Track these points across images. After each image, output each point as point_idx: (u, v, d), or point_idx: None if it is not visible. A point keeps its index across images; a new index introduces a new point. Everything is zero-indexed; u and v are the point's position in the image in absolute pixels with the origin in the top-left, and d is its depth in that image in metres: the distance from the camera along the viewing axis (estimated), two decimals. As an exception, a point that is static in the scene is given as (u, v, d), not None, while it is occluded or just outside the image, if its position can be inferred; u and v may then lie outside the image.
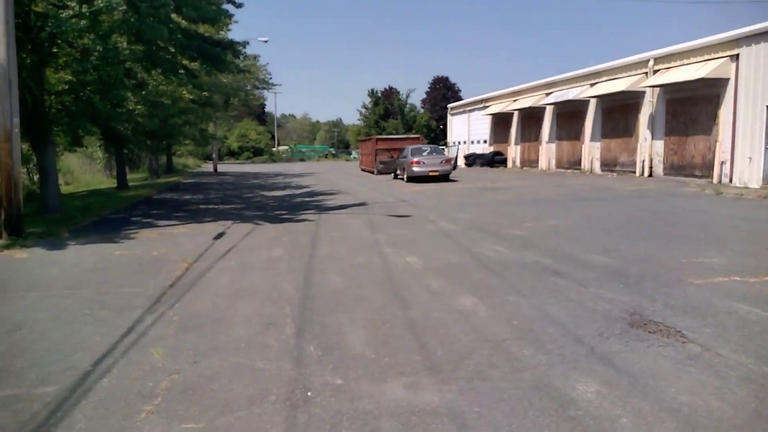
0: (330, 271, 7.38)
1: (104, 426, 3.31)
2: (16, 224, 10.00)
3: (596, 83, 26.87)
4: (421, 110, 74.16)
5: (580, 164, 28.48)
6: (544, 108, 31.64)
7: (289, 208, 15.71)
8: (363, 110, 75.78)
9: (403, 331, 4.92)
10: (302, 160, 78.46)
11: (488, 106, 39.42)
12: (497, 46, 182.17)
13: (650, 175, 23.05)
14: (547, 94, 31.32)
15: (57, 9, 11.63)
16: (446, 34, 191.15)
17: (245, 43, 16.47)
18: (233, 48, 16.06)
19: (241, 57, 19.95)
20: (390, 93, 75.75)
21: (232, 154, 79.30)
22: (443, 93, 73.04)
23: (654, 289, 6.01)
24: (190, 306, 5.82)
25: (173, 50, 14.89)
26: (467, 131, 44.24)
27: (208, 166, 52.51)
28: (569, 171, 29.21)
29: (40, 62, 12.85)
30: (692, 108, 20.93)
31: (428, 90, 76.34)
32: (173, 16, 14.12)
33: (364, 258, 8.17)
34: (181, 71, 15.73)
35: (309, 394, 3.69)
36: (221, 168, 48.63)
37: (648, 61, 23.03)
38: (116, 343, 4.70)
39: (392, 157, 30.57)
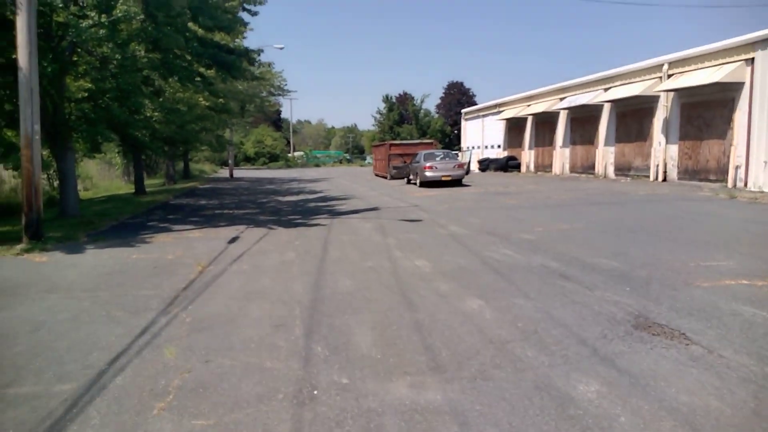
0: (340, 274, 7.50)
1: (118, 422, 3.45)
2: (37, 228, 10.26)
3: (610, 88, 26.81)
4: (436, 115, 74.32)
5: (594, 169, 28.38)
6: (558, 113, 31.60)
7: (302, 212, 15.89)
8: (378, 116, 76.20)
9: (409, 332, 5.02)
10: (317, 165, 78.96)
11: (502, 111, 39.43)
12: (512, 51, 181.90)
13: (664, 179, 22.91)
14: (561, 99, 31.29)
15: (77, 18, 11.93)
16: (461, 39, 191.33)
17: (259, 51, 16.75)
18: (248, 56, 16.33)
19: (256, 64, 20.23)
20: (405, 98, 76.08)
21: (248, 160, 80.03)
22: (458, 98, 73.14)
23: (660, 292, 6.05)
24: (203, 308, 5.97)
25: (189, 58, 15.18)
26: (481, 136, 44.26)
27: (224, 172, 53.10)
28: (583, 175, 29.11)
29: (60, 70, 13.17)
30: (707, 112, 20.80)
31: (443, 95, 76.52)
32: (189, 24, 14.42)
33: (373, 261, 8.28)
34: (197, 79, 16.03)
35: (315, 392, 3.81)
36: (237, 173, 49.15)
37: (662, 65, 22.94)
38: (131, 343, 4.85)
39: (405, 162, 30.70)
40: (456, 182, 24.62)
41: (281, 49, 35.73)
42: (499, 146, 40.80)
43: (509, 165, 36.78)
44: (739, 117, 19.12)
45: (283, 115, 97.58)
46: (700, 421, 3.28)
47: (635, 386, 3.77)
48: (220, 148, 45.97)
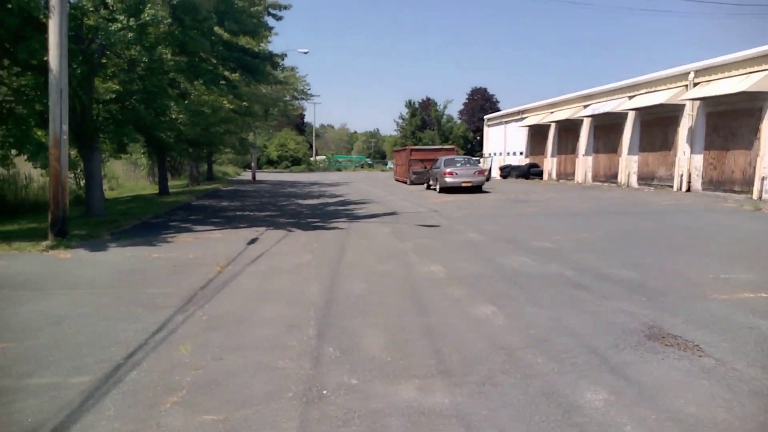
0: (355, 277, 7.57)
1: (131, 414, 3.55)
2: (62, 226, 10.52)
3: (635, 96, 26.52)
4: (458, 121, 74.14)
5: (616, 178, 28.07)
6: (582, 120, 31.35)
7: (321, 216, 16.02)
8: (400, 121, 76.22)
9: (419, 336, 5.06)
10: (339, 169, 79.30)
11: (525, 118, 39.24)
12: (535, 58, 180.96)
13: (688, 189, 22.58)
14: (585, 107, 31.04)
15: (107, 22, 12.27)
16: (485, 45, 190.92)
17: (283, 55, 16.98)
18: (271, 60, 16.57)
19: (279, 68, 20.49)
20: (427, 104, 76.02)
21: (271, 163, 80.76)
22: (481, 104, 72.96)
23: (676, 304, 5.99)
24: (219, 307, 6.08)
25: (215, 61, 15.47)
26: (504, 143, 44.08)
27: (247, 175, 53.65)
28: (605, 184, 28.81)
29: (89, 72, 13.51)
30: (733, 122, 20.46)
31: (466, 101, 76.39)
32: (215, 28, 14.69)
33: (389, 266, 8.34)
34: (222, 82, 16.32)
35: (324, 392, 3.87)
36: (260, 176, 49.64)
37: (688, 73, 22.64)
38: (148, 339, 4.97)
39: (425, 167, 30.72)
40: (476, 189, 24.57)
41: (305, 53, 36.05)
42: (521, 153, 40.59)
43: (531, 172, 36.55)
44: (766, 127, 18.76)
45: (306, 119, 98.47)
46: (707, 433, 3.26)
47: (643, 396, 3.76)
48: (243, 150, 46.53)
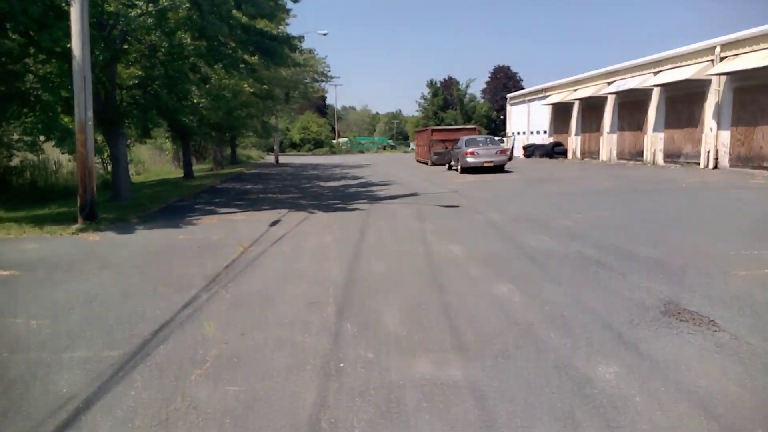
0: (374, 257, 7.69)
1: (158, 385, 3.74)
2: (91, 210, 10.83)
3: (660, 71, 25.95)
4: (481, 100, 73.45)
5: (642, 155, 27.63)
6: (606, 97, 30.80)
7: (342, 197, 16.16)
8: (422, 101, 75.79)
9: (437, 313, 5.16)
10: (361, 152, 79.33)
11: (548, 96, 38.71)
12: (559, 35, 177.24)
13: (715, 166, 22.14)
14: (609, 83, 30.48)
15: (127, 8, 12.44)
16: (508, 22, 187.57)
17: (301, 38, 17.01)
18: (289, 42, 16.61)
19: (298, 51, 20.53)
20: (449, 83, 75.42)
21: (294, 146, 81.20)
22: (504, 83, 72.11)
23: (695, 280, 5.98)
24: (242, 286, 6.27)
25: (234, 45, 15.59)
26: (527, 121, 43.57)
27: (270, 158, 54.08)
28: (631, 162, 28.38)
29: (112, 58, 13.72)
30: (762, 96, 19.93)
31: (488, 80, 75.59)
32: (234, 12, 14.77)
33: (408, 246, 8.44)
34: (242, 65, 16.44)
35: (342, 365, 4.01)
36: (283, 159, 50.00)
37: (714, 47, 22.05)
38: (174, 316, 5.17)
39: (447, 147, 30.61)
40: (498, 168, 24.44)
41: (325, 35, 36.11)
42: (545, 132, 40.11)
43: (555, 151, 36.11)
44: (797, 101, 18.28)
45: (327, 102, 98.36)
46: (716, 404, 3.31)
47: (655, 370, 3.82)
48: (265, 134, 46.82)
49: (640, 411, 3.27)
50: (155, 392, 3.63)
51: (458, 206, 13.04)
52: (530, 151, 38.69)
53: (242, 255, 7.96)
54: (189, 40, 14.83)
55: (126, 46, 14.59)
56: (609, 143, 30.96)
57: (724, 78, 21.73)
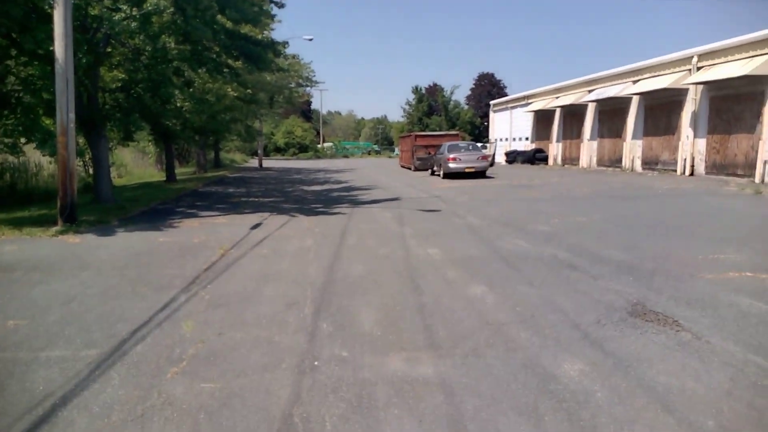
0: (354, 260, 7.80)
1: (135, 383, 3.81)
2: (71, 212, 10.81)
3: (639, 80, 26.47)
4: (466, 107, 73.98)
5: (621, 162, 28.10)
6: (586, 105, 31.31)
7: (325, 201, 16.25)
8: (407, 107, 76.14)
9: (412, 314, 5.28)
10: (346, 156, 79.46)
11: (530, 103, 39.18)
12: (542, 42, 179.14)
13: (692, 173, 22.62)
14: (590, 91, 30.99)
15: (111, 12, 12.45)
16: (492, 30, 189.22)
17: (285, 43, 17.12)
18: (274, 47, 16.71)
19: (282, 56, 20.62)
20: (434, 89, 75.85)
21: (279, 150, 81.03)
22: (488, 89, 72.67)
23: (663, 283, 6.18)
24: (221, 287, 6.34)
25: (218, 50, 15.64)
26: (510, 128, 44.03)
27: (254, 162, 53.95)
28: (610, 169, 28.84)
29: (95, 61, 13.71)
30: (736, 106, 20.45)
31: (473, 86, 76.12)
32: (218, 17, 14.84)
33: (388, 249, 8.56)
34: (226, 70, 16.49)
35: (316, 363, 4.11)
36: (266, 163, 49.89)
37: (691, 57, 22.58)
38: (152, 316, 5.23)
39: (430, 153, 30.84)
40: (480, 174, 24.70)
41: (310, 40, 36.27)
42: (527, 138, 40.57)
43: (536, 158, 36.58)
44: (770, 111, 18.76)
45: (313, 106, 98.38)
46: (673, 399, 3.48)
47: (618, 367, 3.97)
48: (249, 138, 46.76)
49: (601, 405, 3.42)
50: (132, 389, 3.71)
51: (439, 210, 13.20)
52: (512, 157, 39.12)
53: (222, 257, 8.02)
54: (173, 44, 14.86)
55: (109, 50, 14.58)
56: (589, 150, 31.43)
57: (700, 87, 22.24)
